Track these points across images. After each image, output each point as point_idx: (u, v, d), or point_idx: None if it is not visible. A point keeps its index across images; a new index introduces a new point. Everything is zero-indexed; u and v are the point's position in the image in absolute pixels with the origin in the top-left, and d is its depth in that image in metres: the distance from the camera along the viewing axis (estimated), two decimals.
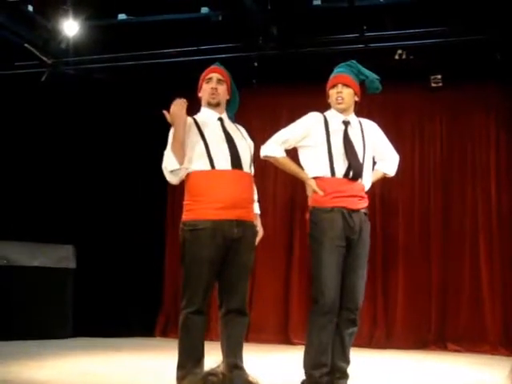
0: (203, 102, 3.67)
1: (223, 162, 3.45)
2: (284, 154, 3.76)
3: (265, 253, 6.48)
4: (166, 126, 3.59)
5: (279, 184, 7.15)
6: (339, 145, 3.61)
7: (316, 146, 3.64)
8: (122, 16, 6.01)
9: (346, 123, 3.69)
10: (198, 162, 3.45)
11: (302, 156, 3.75)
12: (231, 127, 3.65)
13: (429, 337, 6.61)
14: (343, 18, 5.83)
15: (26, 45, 6.19)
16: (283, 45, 6.17)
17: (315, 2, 5.66)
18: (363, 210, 3.65)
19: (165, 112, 3.47)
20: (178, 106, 3.45)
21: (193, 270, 3.41)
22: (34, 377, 4.36)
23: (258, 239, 3.65)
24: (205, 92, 3.64)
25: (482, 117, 6.83)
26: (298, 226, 6.95)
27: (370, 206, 3.95)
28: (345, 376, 3.64)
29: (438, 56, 6.37)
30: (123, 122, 7.32)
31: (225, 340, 3.50)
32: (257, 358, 4.82)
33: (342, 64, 3.80)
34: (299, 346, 5.67)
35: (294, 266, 7.04)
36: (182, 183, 3.56)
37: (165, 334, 7.24)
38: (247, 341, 4.51)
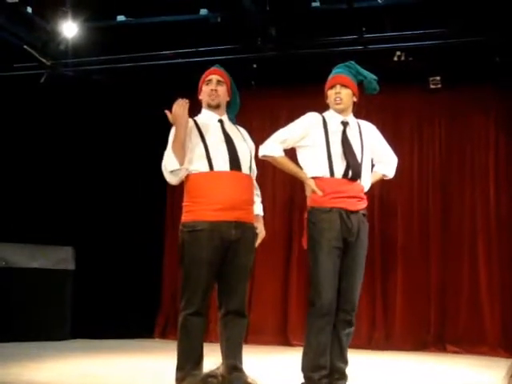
0: (203, 104, 3.67)
1: (221, 163, 3.45)
2: (283, 154, 3.76)
3: (263, 254, 6.46)
4: (166, 128, 3.59)
5: (278, 184, 7.12)
6: (338, 145, 3.61)
7: (314, 146, 3.64)
8: (120, 18, 6.01)
9: (345, 124, 3.69)
10: (197, 164, 3.45)
11: (301, 156, 3.75)
12: (232, 129, 3.65)
13: (428, 338, 6.60)
14: (342, 20, 5.83)
15: (25, 46, 6.18)
16: (282, 46, 6.17)
17: (314, 4, 5.65)
18: (362, 211, 3.65)
19: (167, 111, 3.47)
20: (180, 105, 3.44)
21: (192, 271, 3.41)
22: (33, 378, 4.36)
23: (258, 241, 3.64)
24: (205, 94, 3.63)
25: (480, 118, 6.82)
26: (297, 226, 6.93)
27: (369, 208, 3.95)
28: (343, 377, 3.64)
29: (436, 58, 6.36)
30: (122, 124, 7.31)
31: (224, 341, 3.50)
32: (256, 360, 4.81)
33: (341, 65, 3.80)
34: (298, 348, 5.63)
35: (293, 267, 7.02)
36: (182, 184, 3.55)
37: (164, 335, 7.23)
38: (246, 342, 4.50)
